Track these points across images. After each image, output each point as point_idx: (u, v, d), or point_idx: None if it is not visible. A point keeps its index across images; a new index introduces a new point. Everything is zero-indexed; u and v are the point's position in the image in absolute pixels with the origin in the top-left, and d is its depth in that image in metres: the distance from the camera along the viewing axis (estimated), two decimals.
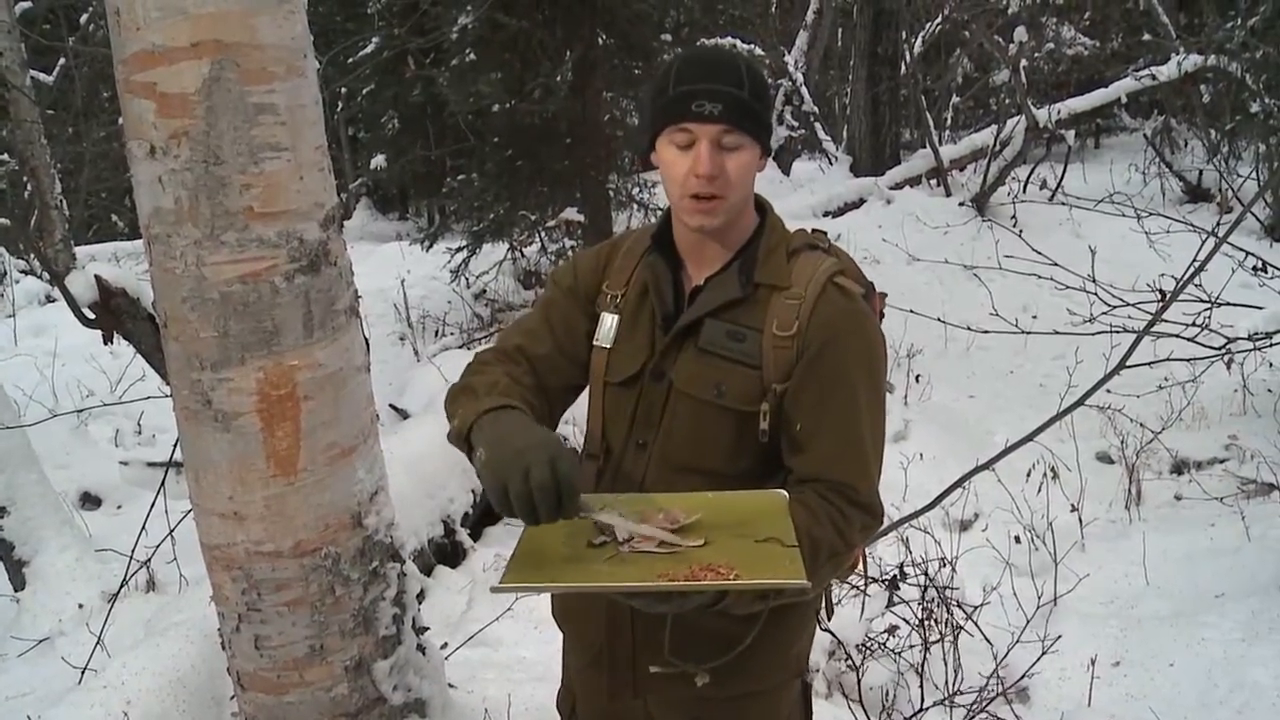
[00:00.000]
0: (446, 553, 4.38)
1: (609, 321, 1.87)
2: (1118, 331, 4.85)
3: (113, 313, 4.26)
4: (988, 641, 3.46)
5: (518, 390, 1.80)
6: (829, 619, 2.02)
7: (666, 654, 1.74)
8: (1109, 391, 4.38)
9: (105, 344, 4.45)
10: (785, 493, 1.68)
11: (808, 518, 1.63)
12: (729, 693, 1.80)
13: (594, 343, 1.88)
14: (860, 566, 2.01)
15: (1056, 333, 5.12)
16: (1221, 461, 5.19)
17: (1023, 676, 3.32)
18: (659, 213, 1.91)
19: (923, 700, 3.21)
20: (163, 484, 4.17)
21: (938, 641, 3.36)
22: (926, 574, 3.46)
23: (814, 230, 1.89)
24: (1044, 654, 3.29)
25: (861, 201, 9.64)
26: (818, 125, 12.08)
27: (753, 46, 10.83)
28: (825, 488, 1.69)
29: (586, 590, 1.57)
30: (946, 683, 3.29)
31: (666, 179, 1.74)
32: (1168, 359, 4.81)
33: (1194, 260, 4.23)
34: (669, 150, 1.71)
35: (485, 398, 1.72)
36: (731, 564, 1.47)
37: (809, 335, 1.71)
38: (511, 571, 1.51)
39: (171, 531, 4.00)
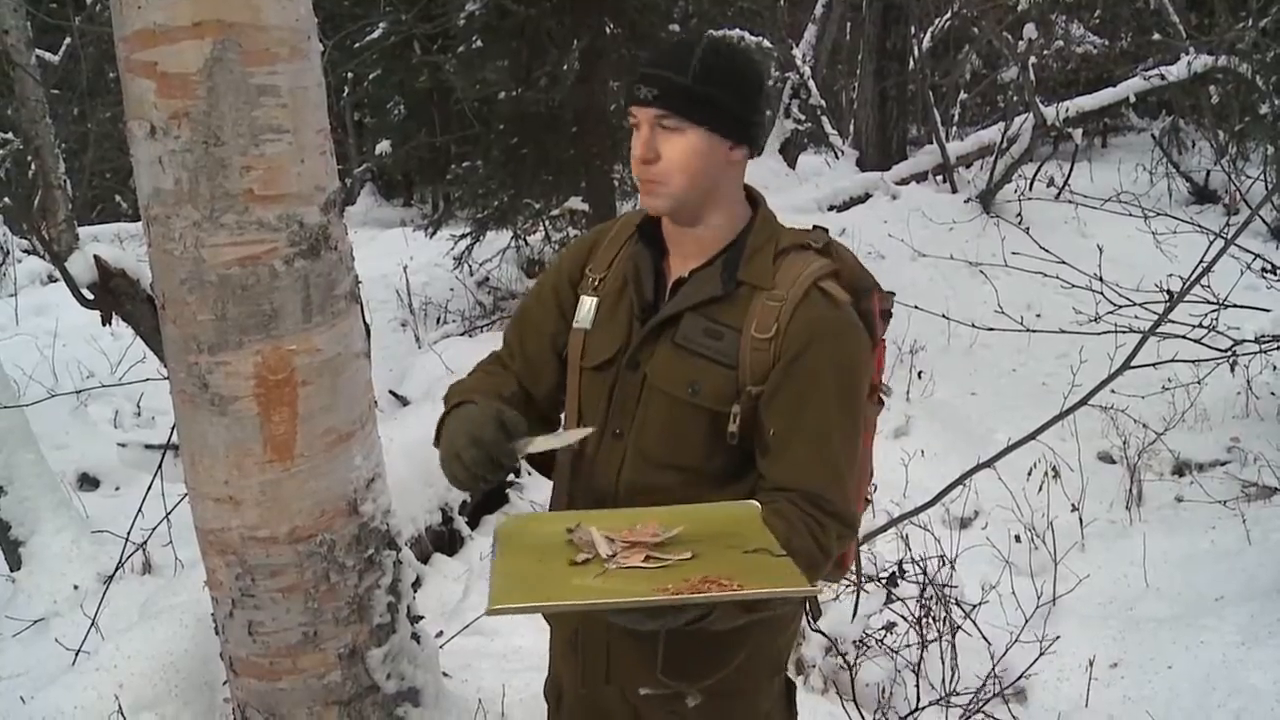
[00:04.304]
0: (444, 541, 4.37)
1: (587, 304, 1.87)
2: (1123, 331, 4.83)
3: (112, 294, 4.25)
4: (985, 641, 3.45)
5: (490, 383, 1.89)
6: (815, 620, 2.00)
7: (658, 676, 1.73)
8: (1112, 391, 4.36)
9: (104, 325, 4.43)
10: (757, 504, 1.65)
11: (785, 528, 1.61)
12: (708, 691, 1.78)
13: (573, 325, 1.88)
14: (851, 566, 1.98)
15: (1062, 331, 5.10)
16: (1223, 464, 5.17)
17: (1020, 677, 3.30)
18: None
19: (919, 700, 3.20)
20: (160, 466, 4.16)
21: (935, 640, 3.34)
22: (925, 572, 3.44)
23: (815, 227, 1.86)
24: (1041, 655, 3.27)
25: (867, 196, 9.61)
26: (824, 119, 12.02)
27: (761, 39, 10.78)
28: (799, 497, 1.67)
29: (587, 609, 1.52)
30: (943, 681, 3.27)
31: None
32: (1173, 360, 4.79)
33: (1201, 261, 4.21)
34: (633, 135, 1.74)
35: (452, 400, 1.82)
36: (731, 575, 1.44)
37: (787, 339, 1.69)
38: (501, 592, 1.47)
39: (168, 514, 3.99)
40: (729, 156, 1.72)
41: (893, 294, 1.92)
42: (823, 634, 3.32)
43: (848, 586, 3.44)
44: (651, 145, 1.69)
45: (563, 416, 1.95)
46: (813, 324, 1.69)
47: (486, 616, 1.49)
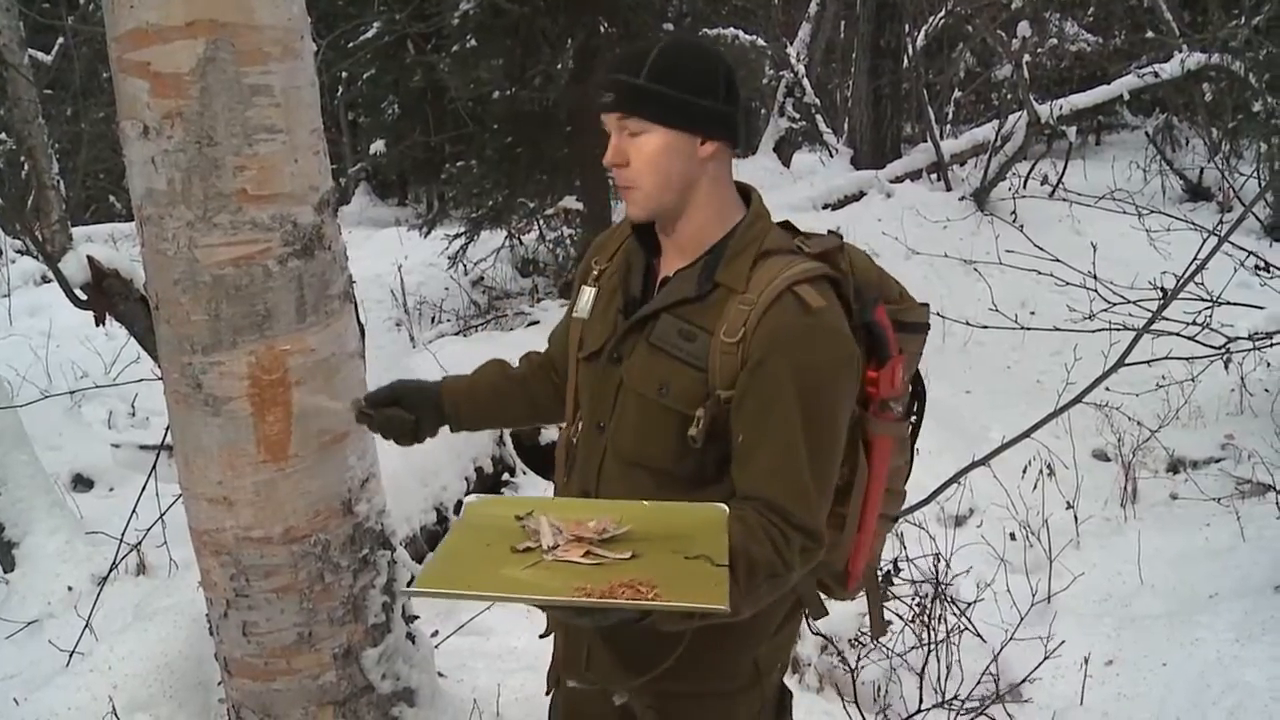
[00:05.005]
0: (439, 540, 4.36)
1: (586, 295, 1.90)
2: (1117, 329, 4.84)
3: (105, 294, 4.23)
4: (981, 639, 3.45)
5: (493, 365, 2.09)
6: (815, 619, 1.99)
7: (584, 671, 1.74)
8: (1107, 389, 4.37)
9: (97, 325, 4.42)
10: (725, 507, 1.63)
11: (745, 535, 1.59)
12: (672, 690, 1.77)
13: (573, 314, 1.91)
14: (859, 580, 1.95)
15: (1056, 329, 5.11)
16: (1218, 461, 5.18)
17: (1022, 681, 3.28)
18: None
19: (920, 700, 3.20)
20: (154, 467, 4.15)
21: (940, 643, 3.33)
22: (936, 573, 3.43)
23: (830, 232, 1.83)
24: (1046, 658, 3.25)
25: (861, 194, 9.60)
26: (819, 117, 12.02)
27: (755, 37, 10.78)
28: (763, 506, 1.64)
29: (499, 599, 1.56)
30: (938, 679, 3.27)
31: None
32: (1166, 357, 4.80)
33: (1194, 259, 4.21)
34: None
35: None
36: (653, 581, 1.44)
37: (753, 344, 1.66)
38: (427, 574, 1.48)
39: (162, 515, 3.98)
40: (700, 152, 1.71)
41: (925, 305, 1.90)
42: (821, 635, 3.32)
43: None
44: (620, 150, 1.71)
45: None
46: (777, 330, 1.66)
47: (402, 595, 1.52)
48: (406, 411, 2.01)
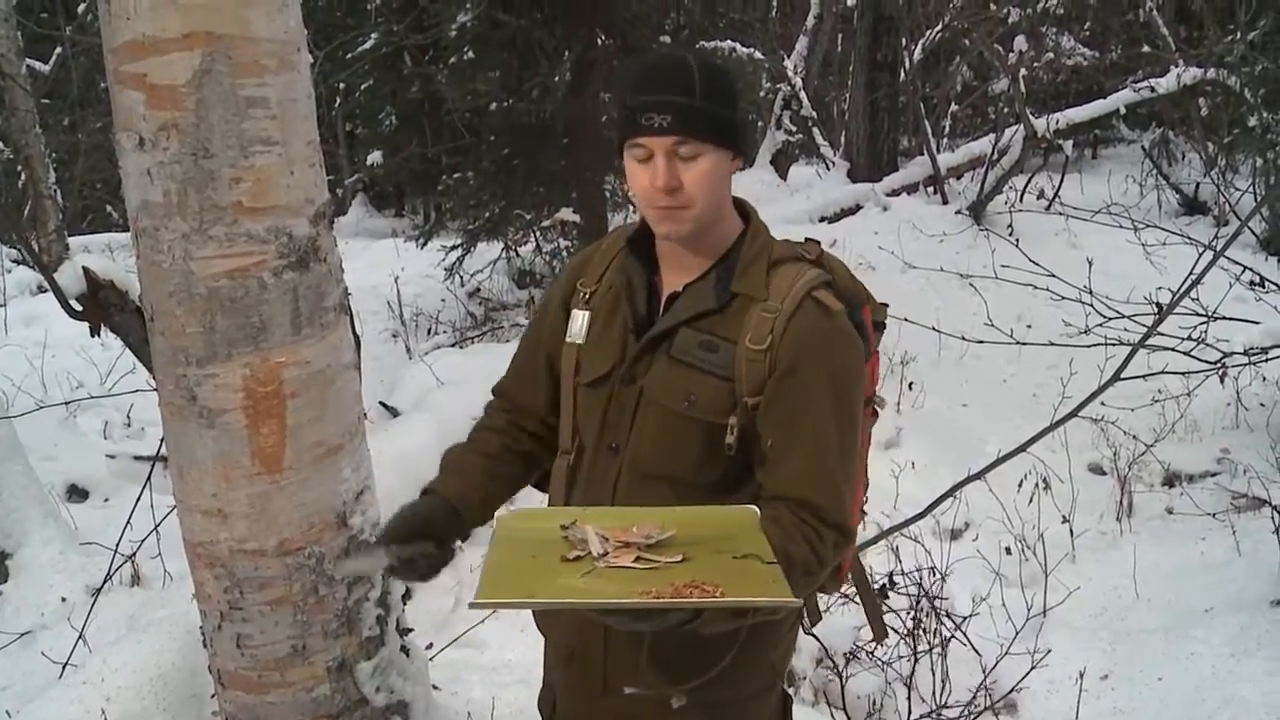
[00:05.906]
0: None
1: (579, 319, 1.87)
2: (1113, 344, 4.84)
3: (100, 305, 4.23)
4: (976, 653, 3.44)
5: (473, 446, 1.94)
6: (812, 624, 2.01)
7: (642, 676, 1.72)
8: (1102, 403, 4.37)
9: (93, 336, 4.41)
10: (756, 509, 1.65)
11: (781, 535, 1.61)
12: (698, 701, 1.77)
13: (565, 340, 1.88)
14: (849, 575, 1.98)
15: (1052, 344, 5.11)
16: (1213, 475, 5.17)
17: (1011, 691, 3.29)
18: None
19: (909, 712, 3.19)
20: (149, 478, 4.14)
21: (927, 652, 3.33)
22: (921, 585, 3.44)
23: (807, 240, 1.86)
24: (1033, 668, 3.26)
25: (858, 208, 9.62)
26: (816, 130, 12.06)
27: (752, 50, 10.81)
28: (796, 506, 1.67)
29: (569, 607, 1.57)
30: (934, 693, 3.27)
31: (632, 190, 1.73)
32: (1162, 372, 4.80)
33: (1190, 273, 4.22)
34: (631, 163, 1.70)
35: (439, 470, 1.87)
36: (716, 581, 1.45)
37: (781, 350, 1.69)
38: (487, 586, 1.48)
39: (157, 526, 3.98)
40: (731, 168, 1.73)
41: (885, 305, 1.92)
42: (818, 640, 3.31)
43: (841, 600, 3.44)
44: (674, 173, 1.65)
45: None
46: (806, 335, 1.69)
47: (470, 610, 1.51)
48: (432, 540, 1.75)
